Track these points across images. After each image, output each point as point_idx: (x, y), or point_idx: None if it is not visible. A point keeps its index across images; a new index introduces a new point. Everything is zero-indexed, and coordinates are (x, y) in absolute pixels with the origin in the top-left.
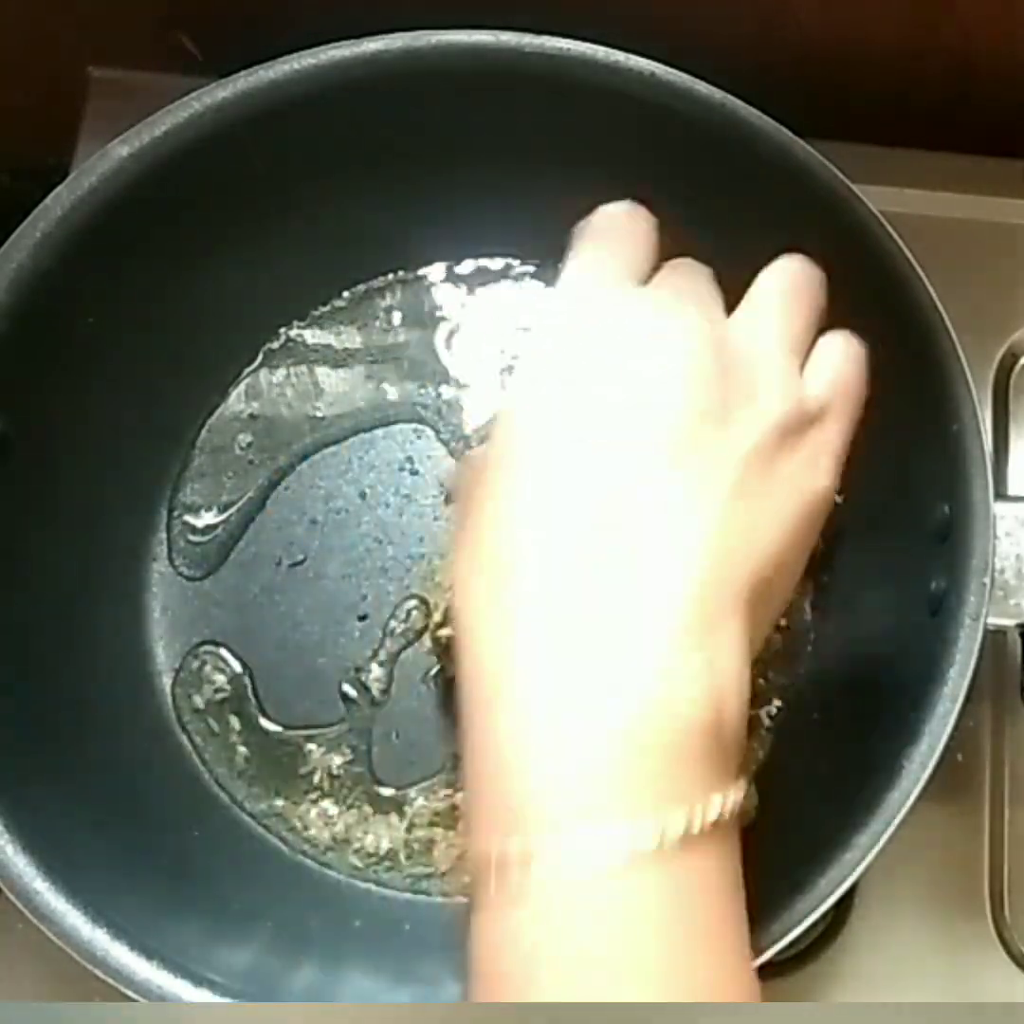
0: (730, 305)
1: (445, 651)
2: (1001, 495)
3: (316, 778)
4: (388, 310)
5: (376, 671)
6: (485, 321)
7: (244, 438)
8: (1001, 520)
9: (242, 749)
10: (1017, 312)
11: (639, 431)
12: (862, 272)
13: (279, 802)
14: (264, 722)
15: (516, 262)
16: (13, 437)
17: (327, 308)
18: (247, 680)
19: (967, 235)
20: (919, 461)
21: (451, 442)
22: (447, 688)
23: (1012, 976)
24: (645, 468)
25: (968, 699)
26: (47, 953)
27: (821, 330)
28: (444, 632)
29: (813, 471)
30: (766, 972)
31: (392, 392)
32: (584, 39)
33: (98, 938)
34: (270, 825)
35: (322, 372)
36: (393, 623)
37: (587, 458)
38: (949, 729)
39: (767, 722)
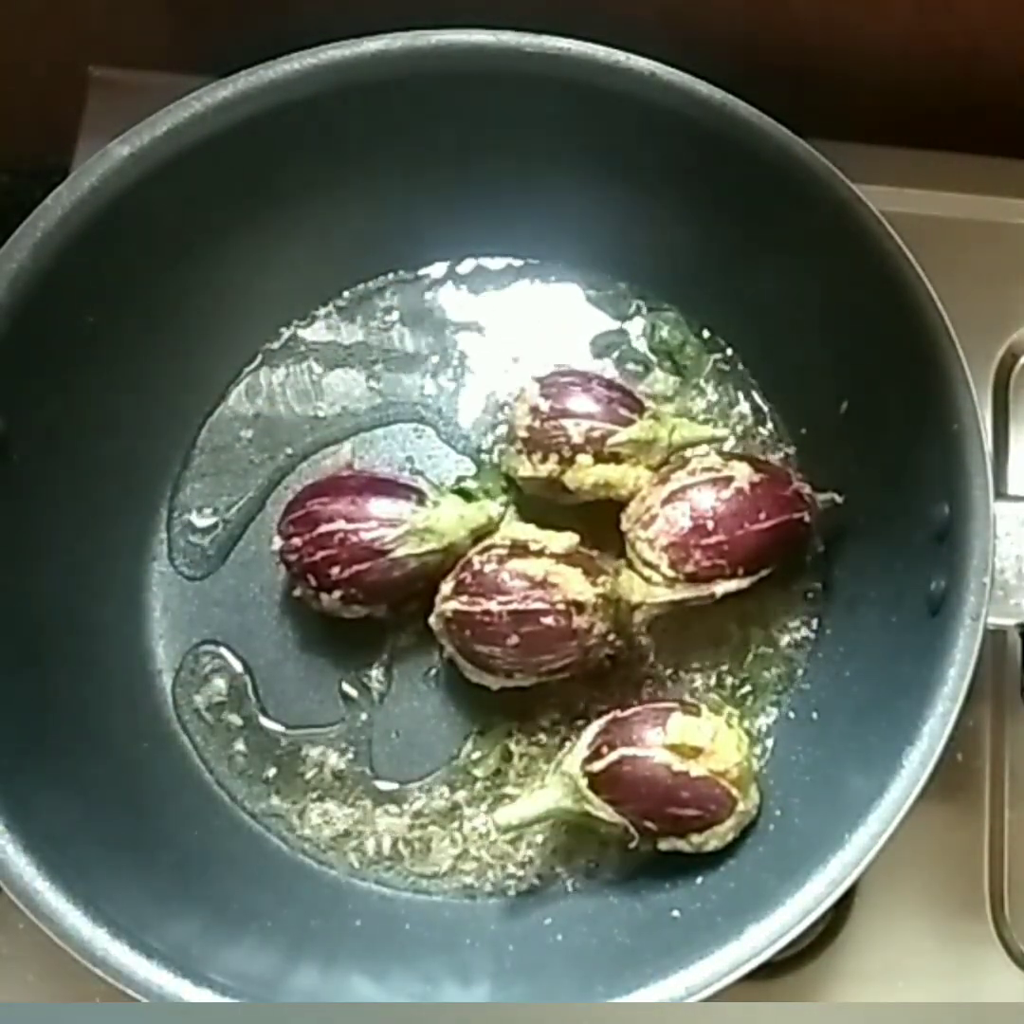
0: (731, 305)
1: (447, 626)
2: (1001, 495)
3: (316, 777)
4: (388, 310)
5: (376, 671)
6: (485, 320)
7: (244, 437)
8: (1001, 520)
9: (242, 748)
10: (1017, 312)
11: None
12: (862, 272)
13: (279, 802)
14: (264, 721)
15: (516, 261)
16: (13, 437)
17: (327, 308)
18: (247, 679)
19: (967, 235)
20: (919, 461)
21: (452, 441)
22: (448, 683)
23: (1012, 976)
24: None
25: (968, 699)
26: (47, 953)
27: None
28: (449, 606)
29: None
30: (766, 972)
31: (392, 392)
32: (584, 39)
33: (98, 938)
34: (270, 825)
35: (322, 372)
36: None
37: None
38: (949, 729)
39: (767, 722)
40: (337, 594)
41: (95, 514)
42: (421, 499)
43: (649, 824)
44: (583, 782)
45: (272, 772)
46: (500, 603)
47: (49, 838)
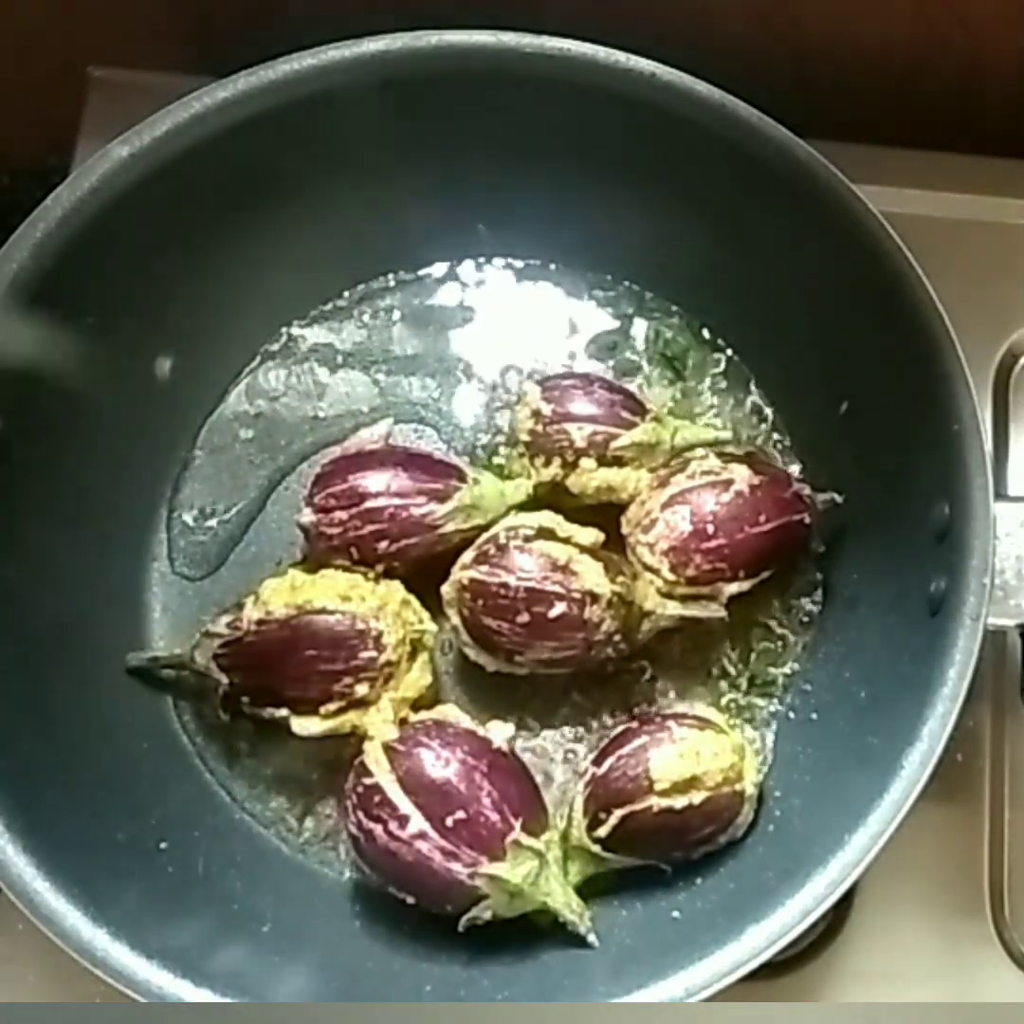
0: (731, 305)
1: (460, 594)
2: (1001, 495)
3: (317, 777)
4: (388, 310)
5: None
6: (485, 321)
7: (244, 437)
8: (1001, 520)
9: (242, 749)
10: (1017, 312)
11: None
12: (862, 272)
13: (279, 802)
14: (265, 721)
15: (516, 262)
16: (13, 437)
17: (327, 308)
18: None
19: (967, 235)
20: (919, 461)
21: (452, 441)
22: (447, 682)
23: (1012, 976)
24: None
25: (968, 699)
26: (47, 953)
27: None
28: (467, 574)
29: None
30: (766, 972)
31: (392, 392)
32: (584, 39)
33: (98, 938)
34: (270, 825)
35: (322, 372)
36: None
37: None
38: (949, 729)
39: (768, 722)
40: (380, 568)
41: (95, 514)
42: (462, 476)
43: (676, 855)
44: (597, 848)
45: (272, 772)
46: (519, 578)
47: (49, 839)
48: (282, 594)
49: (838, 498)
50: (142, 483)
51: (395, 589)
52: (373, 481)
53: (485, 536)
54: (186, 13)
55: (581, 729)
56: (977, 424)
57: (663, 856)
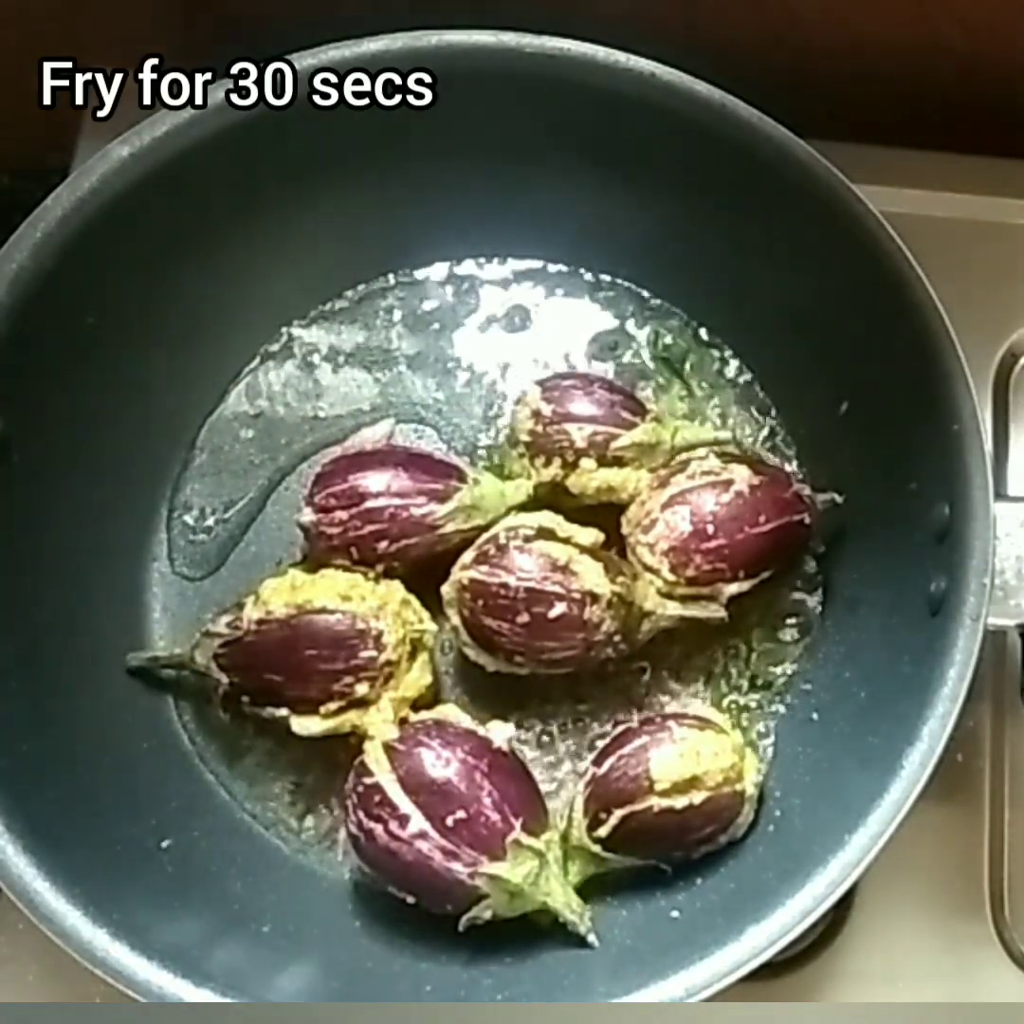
0: (731, 305)
1: (460, 594)
2: (1001, 495)
3: (317, 777)
4: (388, 310)
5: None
6: (485, 321)
7: (245, 437)
8: (1001, 520)
9: (242, 748)
10: (1017, 312)
11: None
12: (862, 272)
13: (279, 802)
14: (264, 721)
15: (516, 262)
16: (13, 437)
17: (327, 308)
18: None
19: (967, 235)
20: (919, 461)
21: (452, 442)
22: (448, 681)
23: (1012, 976)
24: None
25: (968, 699)
26: (47, 953)
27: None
28: (467, 574)
29: None
30: (766, 972)
31: (392, 392)
32: (584, 39)
33: (98, 938)
34: (270, 825)
35: (322, 372)
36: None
37: None
38: (949, 729)
39: (768, 722)
40: (379, 568)
41: (95, 514)
42: (462, 476)
43: (676, 855)
44: (597, 848)
45: (272, 773)
46: (519, 579)
47: (49, 839)
48: (282, 594)
49: (838, 498)
50: (142, 483)
51: (395, 589)
52: (373, 481)
53: (485, 536)
54: (186, 13)
55: (581, 729)
56: (977, 424)
57: (663, 856)
